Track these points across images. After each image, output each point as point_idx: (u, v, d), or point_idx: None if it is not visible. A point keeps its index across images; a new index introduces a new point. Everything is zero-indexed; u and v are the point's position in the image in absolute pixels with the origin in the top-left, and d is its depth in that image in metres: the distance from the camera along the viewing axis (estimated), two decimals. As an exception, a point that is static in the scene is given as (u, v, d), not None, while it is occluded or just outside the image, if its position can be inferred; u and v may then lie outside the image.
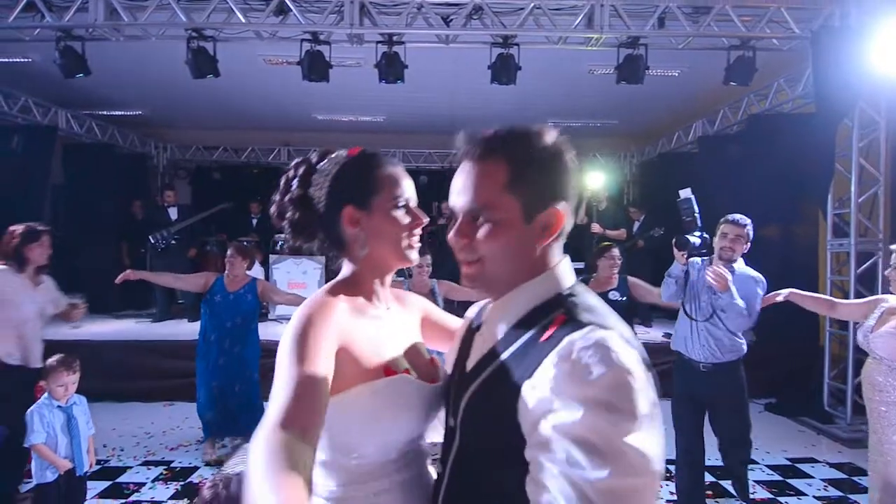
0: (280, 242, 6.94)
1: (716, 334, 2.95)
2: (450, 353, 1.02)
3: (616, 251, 3.81)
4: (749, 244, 2.98)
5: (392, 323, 1.07)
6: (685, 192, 2.92)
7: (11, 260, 3.13)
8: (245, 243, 5.62)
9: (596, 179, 7.01)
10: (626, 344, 0.73)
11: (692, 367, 3.01)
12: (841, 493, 3.67)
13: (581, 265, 5.93)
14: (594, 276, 3.84)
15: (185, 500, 3.43)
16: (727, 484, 3.57)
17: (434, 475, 1.02)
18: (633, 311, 4.44)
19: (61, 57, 4.65)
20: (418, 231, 1.07)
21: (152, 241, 6.76)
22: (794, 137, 5.34)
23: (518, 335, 0.82)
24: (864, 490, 3.53)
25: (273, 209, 1.09)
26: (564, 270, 0.89)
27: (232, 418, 3.91)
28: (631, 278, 3.81)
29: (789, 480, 3.86)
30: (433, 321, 1.22)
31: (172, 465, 3.96)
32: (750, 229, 2.96)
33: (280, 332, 0.92)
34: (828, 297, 3.22)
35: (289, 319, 0.94)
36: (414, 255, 1.07)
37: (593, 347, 0.71)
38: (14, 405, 2.82)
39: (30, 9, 4.50)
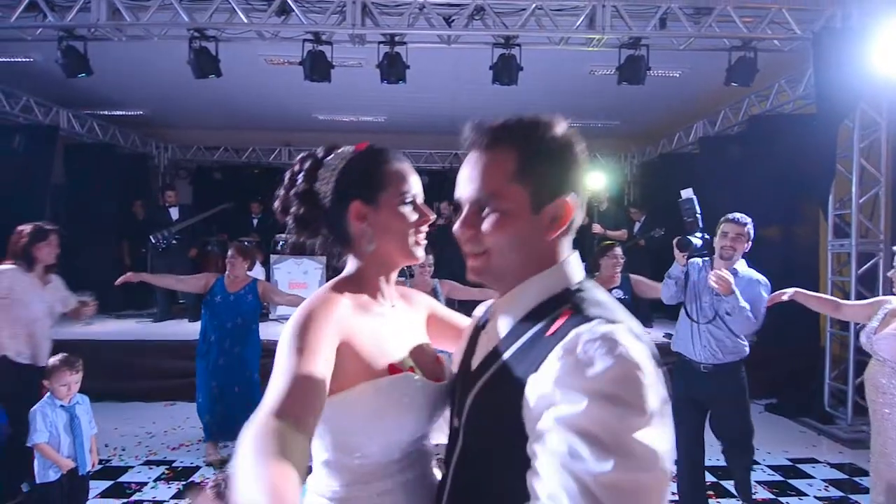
0: (281, 242, 6.93)
1: (718, 335, 2.93)
2: (456, 352, 1.01)
3: (619, 250, 3.81)
4: (750, 243, 2.96)
5: (397, 320, 1.06)
6: (687, 193, 2.89)
7: (20, 259, 3.15)
8: (246, 243, 5.63)
9: (597, 180, 7.01)
10: (634, 338, 0.71)
11: (693, 368, 3.00)
12: (842, 494, 3.67)
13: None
14: (596, 276, 3.84)
15: (187, 499, 3.43)
16: (728, 484, 3.58)
17: (438, 476, 1.01)
18: (636, 311, 4.43)
19: (63, 57, 4.66)
20: (425, 228, 1.05)
21: (153, 241, 6.76)
22: (795, 138, 5.34)
23: (524, 330, 0.80)
24: (865, 490, 3.53)
25: (277, 204, 1.07)
26: (573, 265, 0.86)
27: (232, 419, 3.91)
28: (633, 276, 3.82)
29: (790, 481, 3.87)
30: (439, 319, 1.20)
31: (174, 464, 3.97)
32: (750, 228, 2.95)
33: (281, 333, 0.91)
34: (833, 298, 3.21)
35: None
36: (420, 252, 1.06)
37: (600, 340, 0.68)
38: (24, 404, 2.83)
39: (32, 8, 4.51)
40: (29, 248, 3.15)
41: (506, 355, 0.80)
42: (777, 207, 5.71)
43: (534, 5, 4.59)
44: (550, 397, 0.67)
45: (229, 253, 3.98)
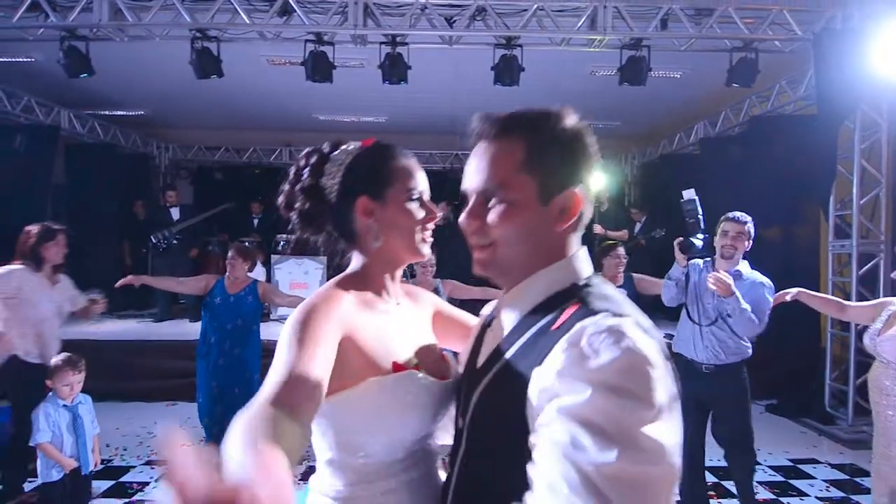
0: (282, 243, 6.94)
1: (721, 337, 2.92)
2: (463, 351, 1.00)
3: (622, 250, 3.82)
4: (751, 242, 2.95)
5: (402, 318, 1.05)
6: (689, 194, 2.84)
7: (28, 259, 3.17)
8: (247, 244, 5.63)
9: (598, 180, 7.02)
10: (643, 332, 0.68)
11: (694, 369, 2.99)
12: (843, 494, 3.68)
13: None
14: (599, 275, 3.83)
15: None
16: (730, 484, 3.58)
17: (443, 476, 0.99)
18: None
19: (65, 57, 4.66)
20: (431, 225, 1.04)
21: (154, 241, 6.77)
22: (795, 139, 5.35)
23: (529, 325, 0.78)
24: (866, 491, 3.53)
25: (281, 199, 1.06)
26: (582, 260, 0.84)
27: (232, 420, 3.90)
28: (636, 275, 3.83)
29: (791, 481, 3.87)
30: (446, 317, 1.19)
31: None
32: (751, 226, 2.93)
33: (281, 331, 0.90)
34: (837, 299, 3.19)
35: None
36: (426, 249, 1.05)
37: (606, 332, 0.66)
38: (33, 403, 2.84)
39: (34, 8, 4.51)
40: (37, 247, 3.17)
41: (510, 351, 0.78)
42: (778, 208, 5.71)
43: (535, 6, 4.59)
44: (552, 390, 0.65)
45: (229, 254, 3.96)
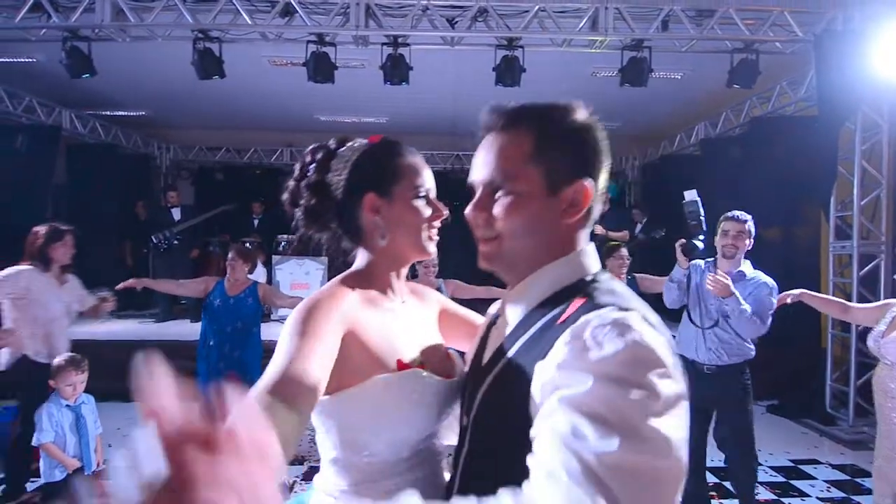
0: (283, 243, 6.95)
1: (724, 338, 2.89)
2: (469, 350, 0.99)
3: (625, 251, 3.82)
4: (752, 240, 2.92)
5: (407, 316, 1.04)
6: (690, 195, 2.79)
7: (36, 260, 3.19)
8: (248, 244, 5.63)
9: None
10: (650, 326, 0.66)
11: (696, 370, 2.98)
12: (844, 495, 3.68)
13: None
14: (607, 272, 3.83)
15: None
16: (731, 485, 3.59)
17: (448, 477, 0.98)
18: None
19: (68, 57, 4.67)
20: (438, 223, 1.04)
21: (155, 242, 6.77)
22: (796, 140, 5.36)
23: (535, 320, 0.76)
24: (867, 492, 3.54)
25: (286, 196, 1.05)
26: (590, 256, 0.83)
27: None
28: (638, 275, 3.83)
29: (792, 482, 3.87)
30: (451, 316, 1.18)
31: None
32: (751, 225, 2.91)
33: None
34: (840, 300, 3.17)
35: None
36: (432, 247, 1.04)
37: (610, 325, 0.64)
38: (41, 402, 2.85)
39: (36, 9, 4.52)
40: (45, 248, 3.19)
41: (515, 347, 0.76)
42: (778, 209, 5.72)
43: (537, 7, 4.60)
44: (553, 382, 0.63)
45: (230, 255, 3.93)
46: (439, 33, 4.81)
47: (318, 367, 0.81)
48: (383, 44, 4.83)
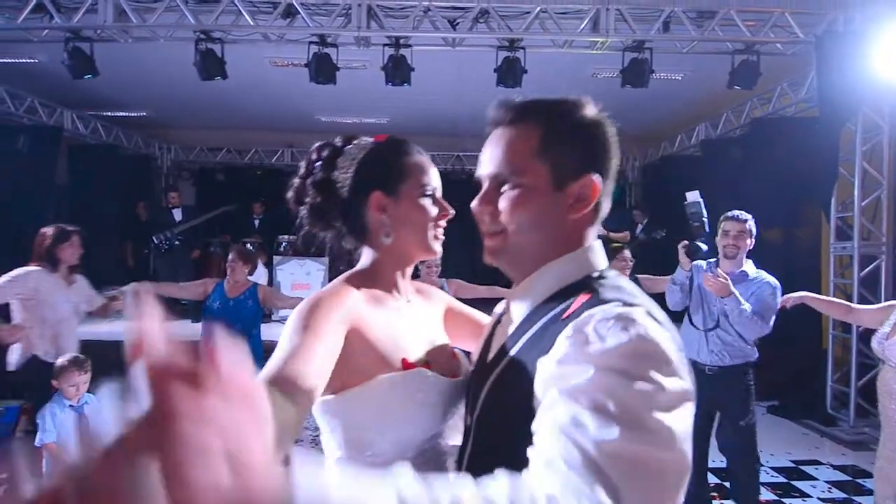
0: (284, 243, 6.95)
1: (726, 340, 2.87)
2: (475, 349, 0.98)
3: (627, 253, 3.81)
4: (753, 240, 2.90)
5: (413, 315, 1.04)
6: (693, 196, 2.73)
7: (44, 261, 3.21)
8: (249, 245, 5.63)
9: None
10: (655, 322, 0.65)
11: (698, 371, 2.97)
12: (845, 495, 3.68)
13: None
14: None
15: None
16: (730, 486, 3.59)
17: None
18: None
19: (70, 58, 4.68)
20: (443, 222, 1.03)
21: (156, 242, 6.77)
22: (797, 141, 5.37)
23: (540, 316, 0.75)
24: (868, 492, 3.54)
25: (291, 193, 1.04)
26: (597, 253, 0.81)
27: None
28: (640, 276, 3.84)
29: (794, 482, 3.88)
30: (457, 315, 1.18)
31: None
32: (752, 224, 2.89)
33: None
34: (843, 302, 3.16)
35: None
36: (438, 246, 1.03)
37: (614, 319, 0.63)
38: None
39: (38, 9, 4.53)
40: (52, 249, 3.21)
41: (519, 344, 0.75)
42: (779, 210, 5.72)
43: (538, 8, 4.61)
44: (555, 377, 0.62)
45: (230, 257, 3.91)
46: (441, 34, 4.82)
47: (318, 363, 0.81)
48: (385, 45, 4.83)
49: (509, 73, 4.81)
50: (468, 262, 6.50)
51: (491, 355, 0.83)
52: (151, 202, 7.96)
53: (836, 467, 4.16)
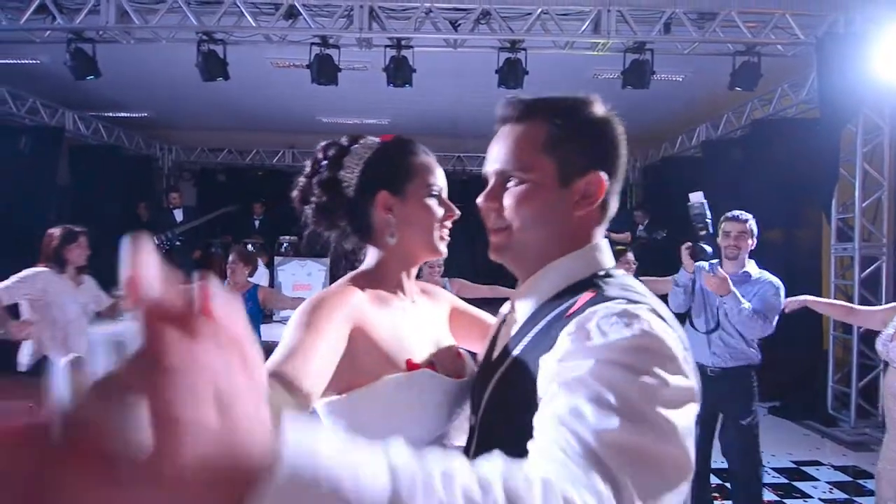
0: (285, 244, 6.96)
1: (729, 342, 2.86)
2: (481, 349, 0.98)
3: (631, 255, 3.82)
4: (754, 240, 2.88)
5: (418, 316, 1.03)
6: (696, 197, 2.69)
7: (52, 262, 3.22)
8: (250, 246, 5.63)
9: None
10: (661, 320, 0.64)
11: (700, 373, 2.95)
12: (846, 496, 3.69)
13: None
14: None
15: None
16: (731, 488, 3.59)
17: None
18: None
19: (72, 59, 4.69)
20: (449, 223, 1.03)
21: (157, 243, 6.79)
22: (798, 142, 5.38)
23: (544, 314, 0.74)
24: (870, 493, 3.55)
25: (296, 193, 1.03)
26: (604, 251, 0.81)
27: None
28: (643, 278, 3.83)
29: (795, 483, 3.88)
30: (462, 314, 1.17)
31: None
32: (752, 224, 2.87)
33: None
34: (846, 304, 3.15)
35: None
36: (444, 247, 1.03)
37: (617, 315, 0.62)
38: None
39: (41, 10, 4.54)
40: (59, 250, 3.23)
41: (523, 343, 0.74)
42: (779, 211, 5.72)
43: (539, 10, 4.62)
44: (556, 373, 0.60)
45: (230, 258, 3.90)
46: (442, 35, 4.82)
47: (319, 361, 0.81)
48: (386, 46, 4.84)
49: (510, 74, 4.82)
50: (470, 262, 6.51)
51: (495, 355, 0.83)
52: (152, 203, 7.96)
53: (836, 468, 4.17)
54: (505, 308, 1.00)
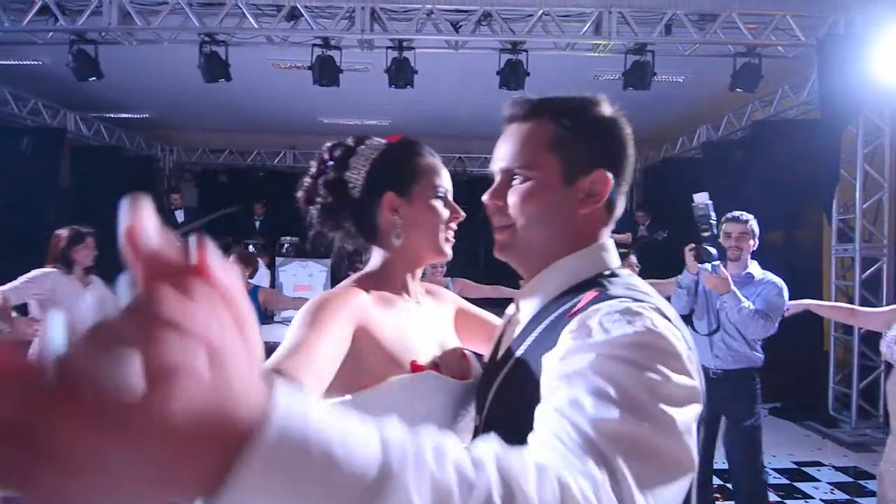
0: (286, 245, 6.96)
1: (731, 345, 2.84)
2: (487, 350, 0.98)
3: (633, 258, 3.81)
4: (756, 241, 2.87)
5: (422, 317, 1.03)
6: (701, 197, 2.62)
7: (59, 262, 3.24)
8: (252, 246, 5.64)
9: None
10: (664, 318, 0.63)
11: (703, 374, 2.93)
12: (847, 496, 3.69)
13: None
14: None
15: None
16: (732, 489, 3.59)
17: None
18: None
19: (74, 60, 4.70)
20: (454, 225, 1.03)
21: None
22: (798, 143, 5.38)
23: (549, 314, 0.73)
24: (871, 494, 3.56)
25: (301, 193, 1.03)
26: (609, 251, 0.80)
27: None
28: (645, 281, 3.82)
29: (796, 483, 3.89)
30: (468, 316, 1.17)
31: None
32: (753, 224, 2.86)
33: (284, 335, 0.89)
34: (848, 306, 3.14)
35: None
36: (449, 248, 1.03)
37: (619, 313, 0.61)
38: None
39: (43, 12, 4.55)
40: (67, 251, 3.25)
41: (526, 343, 0.74)
42: (780, 212, 5.72)
43: (541, 11, 4.63)
44: (557, 371, 0.60)
45: (230, 259, 3.90)
46: (444, 37, 4.83)
47: (320, 360, 0.81)
48: (388, 47, 4.85)
49: (512, 75, 4.83)
50: (473, 262, 6.52)
51: (500, 356, 0.83)
52: (154, 204, 7.96)
53: (837, 469, 4.17)
54: (510, 309, 1.00)
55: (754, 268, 2.91)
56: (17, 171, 6.34)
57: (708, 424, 2.95)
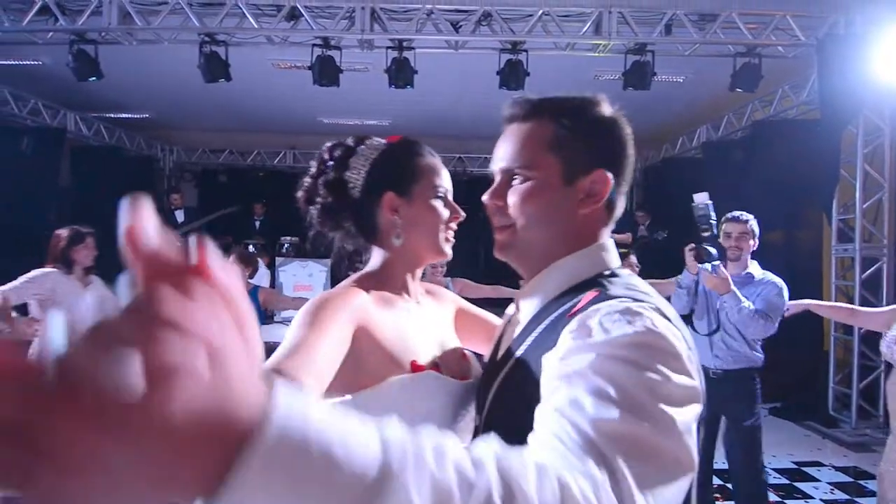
0: (286, 245, 6.96)
1: (731, 345, 2.84)
2: (487, 351, 0.98)
3: (634, 258, 3.81)
4: (756, 241, 2.87)
5: (422, 317, 1.03)
6: (701, 197, 2.62)
7: (59, 262, 3.24)
8: (251, 246, 5.64)
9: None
10: (664, 318, 0.63)
11: (703, 374, 2.92)
12: (847, 496, 3.69)
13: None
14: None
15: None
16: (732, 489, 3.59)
17: None
18: None
19: (74, 60, 4.70)
20: (454, 225, 1.03)
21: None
22: (798, 143, 5.38)
23: (549, 314, 0.73)
24: (871, 494, 3.56)
25: (301, 193, 1.03)
26: (610, 251, 0.80)
27: None
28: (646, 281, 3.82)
29: (796, 483, 3.89)
30: (468, 316, 1.17)
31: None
32: (753, 224, 2.86)
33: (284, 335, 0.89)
34: (847, 305, 3.14)
35: None
36: (449, 248, 1.03)
37: (619, 313, 0.62)
38: None
39: (43, 12, 4.55)
40: (67, 251, 3.25)
41: (526, 343, 0.74)
42: (780, 212, 5.72)
43: (541, 11, 4.63)
44: (557, 370, 0.60)
45: (230, 260, 3.89)
46: (444, 37, 4.83)
47: (320, 360, 0.81)
48: (388, 47, 4.85)
49: (512, 75, 4.83)
50: (473, 262, 6.52)
51: (500, 356, 0.83)
52: (154, 204, 7.97)
53: (837, 469, 4.17)
54: (510, 309, 1.00)
55: (754, 268, 2.92)
56: (17, 171, 6.34)
57: (708, 424, 2.94)
